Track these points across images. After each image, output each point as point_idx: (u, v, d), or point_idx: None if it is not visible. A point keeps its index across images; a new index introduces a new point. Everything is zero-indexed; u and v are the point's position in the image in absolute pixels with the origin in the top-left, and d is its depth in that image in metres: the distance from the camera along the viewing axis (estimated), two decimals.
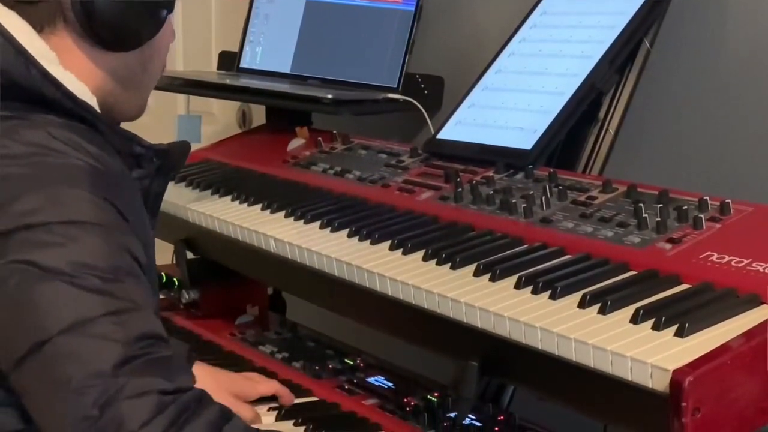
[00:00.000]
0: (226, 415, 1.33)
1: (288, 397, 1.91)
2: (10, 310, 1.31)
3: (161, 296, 2.53)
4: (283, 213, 2.08)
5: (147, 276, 1.46)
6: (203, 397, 1.33)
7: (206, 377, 1.83)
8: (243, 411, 1.82)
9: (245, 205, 2.20)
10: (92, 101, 1.49)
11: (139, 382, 1.28)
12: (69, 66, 1.48)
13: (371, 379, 2.04)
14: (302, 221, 2.02)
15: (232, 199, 2.25)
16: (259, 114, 3.29)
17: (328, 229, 1.95)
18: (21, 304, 1.30)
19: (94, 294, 1.30)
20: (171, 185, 2.44)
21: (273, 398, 1.91)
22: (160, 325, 1.38)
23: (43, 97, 1.43)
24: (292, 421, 1.83)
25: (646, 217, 1.68)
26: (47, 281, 1.30)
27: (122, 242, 1.38)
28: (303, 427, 1.81)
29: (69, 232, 1.33)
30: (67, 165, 1.38)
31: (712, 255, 1.55)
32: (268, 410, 1.88)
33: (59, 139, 1.39)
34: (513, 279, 1.59)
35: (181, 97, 3.42)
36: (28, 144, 1.38)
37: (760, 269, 1.48)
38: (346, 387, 2.00)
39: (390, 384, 2.02)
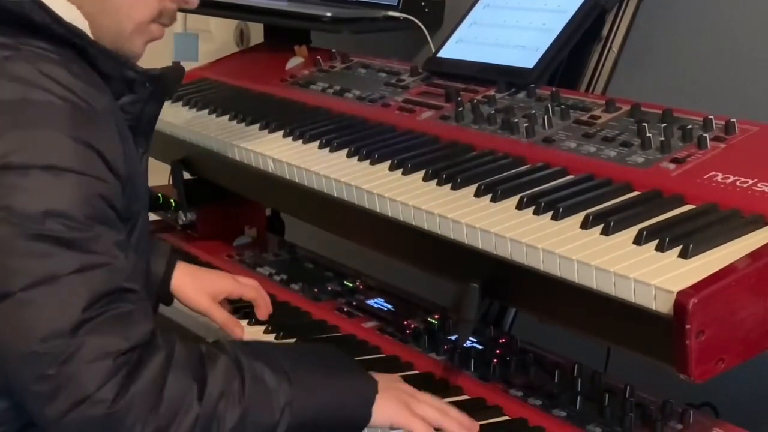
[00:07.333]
0: (170, 353, 1.36)
1: (264, 310, 1.89)
2: None
3: (158, 217, 2.52)
4: (281, 133, 2.06)
5: (135, 205, 1.49)
6: (154, 344, 1.36)
7: (186, 278, 1.84)
8: (216, 314, 1.83)
9: (243, 124, 2.17)
10: (83, 25, 1.48)
11: (97, 343, 1.30)
12: None
13: (371, 302, 2.04)
14: (301, 141, 1.99)
15: (230, 119, 2.23)
16: (257, 32, 3.26)
17: (327, 148, 1.93)
18: None
19: (65, 248, 1.31)
20: (167, 104, 2.43)
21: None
22: (130, 274, 1.38)
23: (32, 22, 1.42)
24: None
25: (649, 136, 1.65)
26: (20, 229, 1.30)
27: (98, 189, 1.37)
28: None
29: (46, 177, 1.33)
30: (50, 105, 1.37)
31: (717, 175, 1.53)
32: (251, 322, 1.90)
33: (48, 75, 1.38)
34: (514, 199, 1.57)
35: (177, 15, 3.39)
36: (14, 79, 1.37)
37: (766, 189, 1.46)
38: (345, 309, 2.00)
39: (390, 306, 2.01)
